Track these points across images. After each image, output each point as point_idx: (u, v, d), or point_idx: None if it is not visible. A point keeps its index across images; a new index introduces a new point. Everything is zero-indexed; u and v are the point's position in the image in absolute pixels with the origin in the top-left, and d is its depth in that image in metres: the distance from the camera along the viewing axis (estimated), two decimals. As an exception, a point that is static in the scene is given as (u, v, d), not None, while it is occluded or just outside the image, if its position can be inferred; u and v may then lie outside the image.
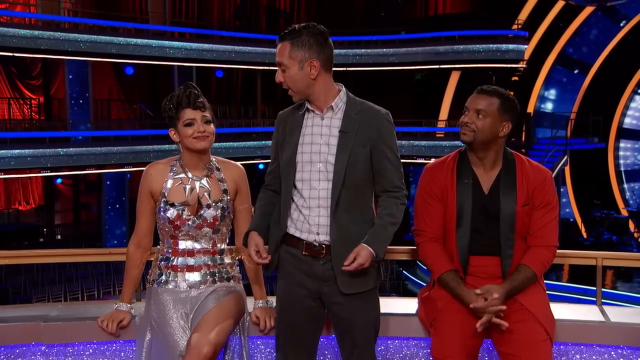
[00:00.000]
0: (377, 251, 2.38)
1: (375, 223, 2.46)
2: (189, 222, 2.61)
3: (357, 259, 2.34)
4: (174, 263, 2.63)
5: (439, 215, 2.62)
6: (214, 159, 2.72)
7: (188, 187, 2.64)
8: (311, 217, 2.47)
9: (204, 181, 2.66)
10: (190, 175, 2.65)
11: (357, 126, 2.46)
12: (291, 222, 2.50)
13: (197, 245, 2.64)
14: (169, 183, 2.64)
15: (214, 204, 2.63)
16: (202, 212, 2.62)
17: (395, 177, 2.49)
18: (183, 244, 2.64)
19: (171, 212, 2.60)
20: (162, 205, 2.61)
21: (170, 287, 2.61)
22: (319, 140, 2.47)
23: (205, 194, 2.64)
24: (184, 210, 2.61)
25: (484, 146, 2.58)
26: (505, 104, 2.57)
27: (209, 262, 2.65)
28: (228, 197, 2.67)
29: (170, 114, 2.61)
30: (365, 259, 2.35)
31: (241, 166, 2.76)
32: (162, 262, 2.66)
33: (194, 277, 2.62)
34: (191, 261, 2.63)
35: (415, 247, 2.79)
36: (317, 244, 2.46)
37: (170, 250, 2.65)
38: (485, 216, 2.56)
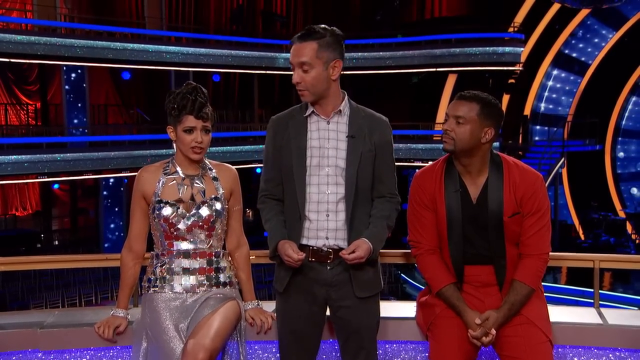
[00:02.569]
0: (374, 248, 2.43)
1: (373, 222, 2.48)
2: (184, 220, 2.58)
3: (356, 251, 2.37)
4: (169, 266, 2.60)
5: (432, 224, 2.56)
6: (207, 162, 2.71)
7: (181, 185, 2.62)
8: (320, 222, 2.46)
9: (198, 180, 2.64)
10: (183, 174, 2.64)
11: (364, 131, 2.49)
12: (300, 231, 2.48)
13: (192, 246, 2.61)
14: (162, 182, 2.62)
15: (208, 201, 2.61)
16: (196, 210, 2.59)
17: (392, 184, 2.55)
18: (178, 245, 2.61)
19: (165, 210, 2.57)
20: (155, 204, 2.59)
21: (166, 291, 2.58)
22: (327, 144, 2.47)
23: (200, 192, 2.63)
24: (178, 208, 2.59)
25: (467, 154, 2.49)
26: (486, 110, 2.47)
27: (205, 265, 2.62)
28: (223, 198, 2.65)
29: (173, 113, 2.58)
30: (365, 253, 2.39)
31: (234, 168, 2.75)
32: (157, 267, 2.63)
33: (190, 280, 2.59)
34: (186, 263, 2.60)
35: (409, 251, 2.78)
36: (325, 249, 2.46)
37: (165, 252, 2.63)
38: (475, 226, 2.50)
